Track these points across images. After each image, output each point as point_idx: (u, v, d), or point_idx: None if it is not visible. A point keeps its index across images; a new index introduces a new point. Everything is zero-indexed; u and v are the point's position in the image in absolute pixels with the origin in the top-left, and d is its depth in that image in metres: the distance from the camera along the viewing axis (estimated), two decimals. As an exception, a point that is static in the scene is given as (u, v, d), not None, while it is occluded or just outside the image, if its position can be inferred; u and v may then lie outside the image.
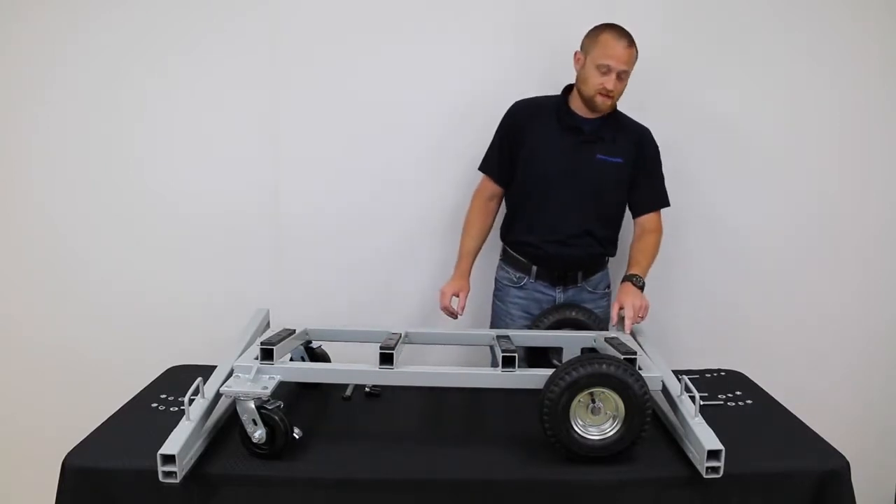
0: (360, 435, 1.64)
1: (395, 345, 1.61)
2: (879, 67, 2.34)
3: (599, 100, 1.97)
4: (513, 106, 2.11)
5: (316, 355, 1.91)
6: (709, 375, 2.03)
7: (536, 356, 1.98)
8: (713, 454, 1.40)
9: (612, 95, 1.96)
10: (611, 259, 2.22)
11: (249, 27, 2.27)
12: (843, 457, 1.52)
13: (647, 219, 2.12)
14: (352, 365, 1.62)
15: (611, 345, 1.71)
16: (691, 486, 1.44)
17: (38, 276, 2.38)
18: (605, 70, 1.93)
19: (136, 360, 2.10)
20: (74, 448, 1.50)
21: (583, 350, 1.84)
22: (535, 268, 2.13)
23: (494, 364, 1.76)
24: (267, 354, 1.56)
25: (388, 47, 2.29)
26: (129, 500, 1.42)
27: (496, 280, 2.25)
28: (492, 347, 1.87)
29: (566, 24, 2.27)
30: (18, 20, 2.23)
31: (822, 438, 1.61)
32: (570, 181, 2.04)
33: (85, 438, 1.54)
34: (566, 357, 1.85)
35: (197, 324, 2.38)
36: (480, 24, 2.29)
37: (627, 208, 2.14)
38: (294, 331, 1.75)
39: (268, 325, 2.00)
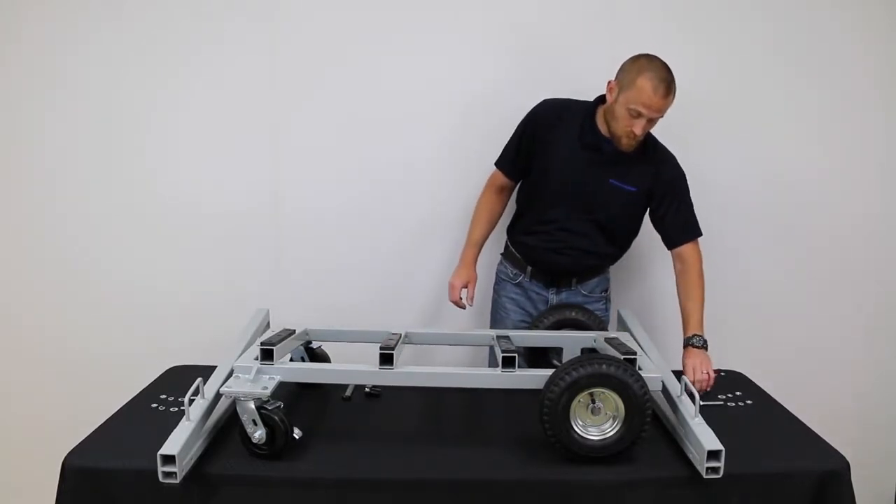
0: (360, 435, 1.64)
1: (395, 345, 1.61)
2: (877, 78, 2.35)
3: (625, 141, 1.90)
4: (541, 104, 2.04)
5: (316, 355, 1.91)
6: (709, 375, 2.03)
7: (536, 356, 1.97)
8: (713, 454, 1.40)
9: (639, 138, 1.89)
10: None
11: (250, 31, 2.26)
12: (843, 457, 1.52)
13: (683, 250, 2.00)
14: (352, 365, 1.62)
15: (611, 345, 1.71)
16: (691, 487, 1.44)
17: (38, 276, 2.38)
18: (636, 115, 1.84)
19: (137, 360, 2.10)
20: (74, 448, 1.50)
21: (583, 350, 1.84)
22: (530, 268, 2.13)
23: (494, 364, 1.76)
24: (267, 355, 1.56)
25: (388, 51, 2.29)
26: (129, 500, 1.42)
27: (496, 273, 2.25)
28: (492, 348, 1.87)
29: (566, 25, 2.28)
30: (25, 26, 2.23)
31: (822, 438, 1.61)
32: (577, 199, 2.00)
33: (85, 438, 1.54)
34: (566, 357, 1.85)
35: (197, 324, 2.38)
36: (481, 28, 2.28)
37: (661, 241, 2.06)
38: (294, 331, 1.75)
39: (268, 325, 2.00)
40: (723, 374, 2.05)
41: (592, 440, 1.48)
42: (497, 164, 2.13)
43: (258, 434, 1.46)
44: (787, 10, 2.30)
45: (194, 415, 1.47)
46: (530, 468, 1.48)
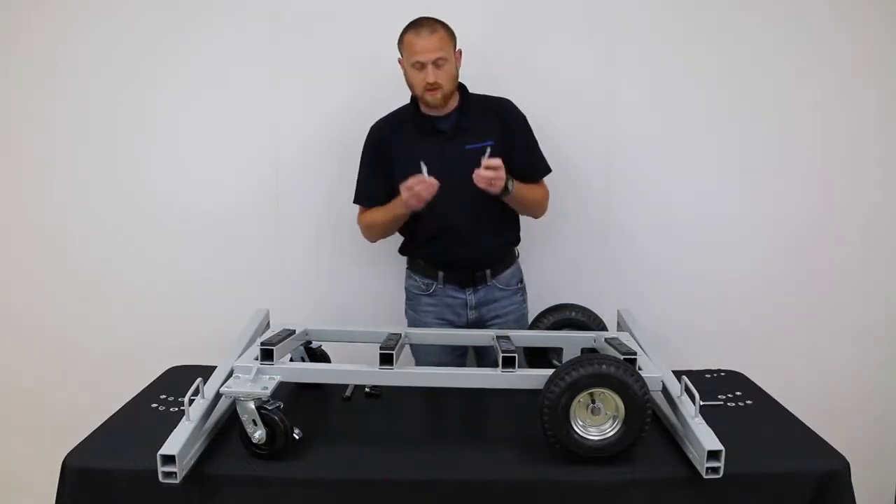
0: (360, 435, 1.64)
1: (395, 345, 1.62)
2: (865, 66, 2.34)
3: (429, 96, 1.96)
4: (371, 129, 2.09)
5: (316, 355, 1.91)
6: (709, 375, 2.02)
7: (536, 356, 1.98)
8: (713, 454, 1.40)
9: (439, 86, 1.94)
10: (521, 255, 2.20)
11: (250, 30, 2.27)
12: (843, 457, 1.52)
13: None
14: (352, 365, 1.62)
15: (611, 345, 1.71)
16: (691, 487, 1.44)
17: (38, 276, 2.38)
18: (420, 66, 1.92)
19: (137, 360, 2.10)
20: (74, 448, 1.50)
21: (583, 350, 1.84)
22: (441, 273, 2.10)
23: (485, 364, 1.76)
24: (267, 355, 1.56)
25: (388, 50, 2.29)
26: (129, 500, 1.43)
27: (406, 290, 2.22)
28: (492, 348, 1.87)
29: (562, 27, 2.27)
30: (25, 26, 2.24)
31: (822, 438, 1.61)
32: (449, 182, 1.94)
33: (85, 438, 1.55)
34: (566, 357, 1.85)
35: (197, 324, 2.38)
36: (480, 29, 2.28)
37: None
38: (294, 331, 1.75)
39: (268, 326, 2.00)
40: (723, 373, 2.05)
41: (592, 440, 1.48)
42: (358, 202, 2.12)
43: (258, 434, 1.46)
44: (787, 10, 2.30)
45: (194, 415, 1.47)
46: (530, 468, 1.48)
